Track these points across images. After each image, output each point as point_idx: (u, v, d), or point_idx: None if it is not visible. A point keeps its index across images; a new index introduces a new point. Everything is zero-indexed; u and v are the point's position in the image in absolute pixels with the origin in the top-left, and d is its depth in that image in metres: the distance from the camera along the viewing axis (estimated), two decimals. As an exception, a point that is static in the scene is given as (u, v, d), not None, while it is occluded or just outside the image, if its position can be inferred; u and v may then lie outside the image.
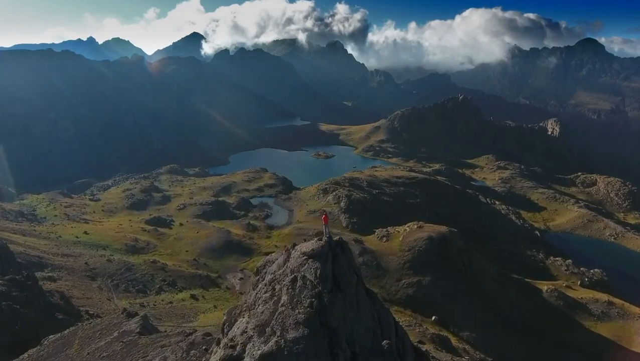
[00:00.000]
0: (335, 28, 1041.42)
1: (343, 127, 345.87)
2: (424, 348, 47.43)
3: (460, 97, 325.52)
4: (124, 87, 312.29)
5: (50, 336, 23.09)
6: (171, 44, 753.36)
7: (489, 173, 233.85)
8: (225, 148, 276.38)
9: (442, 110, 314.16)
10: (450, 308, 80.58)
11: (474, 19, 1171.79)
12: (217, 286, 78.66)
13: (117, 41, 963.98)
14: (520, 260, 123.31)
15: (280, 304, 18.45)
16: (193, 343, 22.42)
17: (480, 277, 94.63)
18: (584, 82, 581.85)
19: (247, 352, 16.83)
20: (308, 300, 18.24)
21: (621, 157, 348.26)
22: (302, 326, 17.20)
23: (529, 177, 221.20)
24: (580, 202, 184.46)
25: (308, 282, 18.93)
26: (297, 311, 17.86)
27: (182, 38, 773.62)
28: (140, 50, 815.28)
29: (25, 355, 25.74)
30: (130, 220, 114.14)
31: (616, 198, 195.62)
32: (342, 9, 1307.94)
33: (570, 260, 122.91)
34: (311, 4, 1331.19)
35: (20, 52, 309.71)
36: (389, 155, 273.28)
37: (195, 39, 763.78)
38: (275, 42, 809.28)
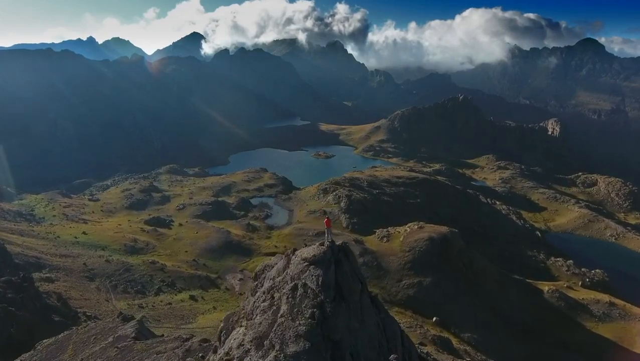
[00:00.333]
0: (335, 28, 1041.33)
1: (343, 127, 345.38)
2: (425, 349, 47.00)
3: (461, 97, 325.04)
4: (123, 87, 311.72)
5: (44, 341, 22.63)
6: (171, 43, 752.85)
7: (489, 173, 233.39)
8: (225, 148, 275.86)
9: (442, 110, 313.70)
10: (451, 309, 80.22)
11: (474, 19, 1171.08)
12: (216, 287, 78.18)
13: (117, 41, 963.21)
14: (521, 260, 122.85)
15: (279, 314, 17.44)
16: (189, 350, 21.80)
17: (481, 278, 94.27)
18: (584, 82, 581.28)
19: (244, 368, 15.79)
20: (309, 310, 17.24)
21: (621, 157, 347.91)
22: (303, 339, 16.19)
23: (530, 177, 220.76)
24: (580, 202, 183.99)
25: (309, 291, 17.88)
26: (297, 322, 16.88)
27: (182, 38, 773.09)
28: (140, 50, 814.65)
29: (18, 360, 25.33)
30: (129, 220, 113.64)
31: (617, 199, 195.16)
32: (342, 8, 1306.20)
33: (571, 261, 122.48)
34: (311, 3, 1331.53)
35: (20, 52, 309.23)
36: (389, 155, 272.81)
37: (195, 38, 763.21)
38: (275, 42, 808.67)
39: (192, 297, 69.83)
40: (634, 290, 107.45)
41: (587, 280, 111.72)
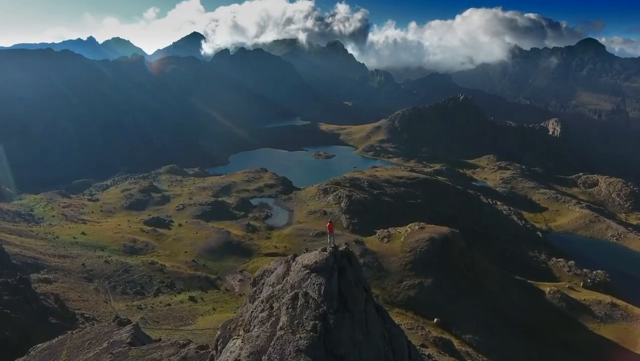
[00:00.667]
0: (335, 28, 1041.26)
1: (343, 127, 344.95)
2: (426, 351, 46.52)
3: (461, 97, 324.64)
4: (123, 86, 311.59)
5: (38, 345, 22.15)
6: (171, 43, 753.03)
7: (490, 173, 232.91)
8: (225, 148, 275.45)
9: (443, 110, 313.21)
10: (452, 310, 79.66)
11: (474, 19, 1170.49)
12: (216, 288, 77.67)
13: (117, 41, 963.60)
14: (522, 261, 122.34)
15: (278, 326, 16.32)
16: (186, 358, 21.05)
17: (483, 278, 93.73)
18: (584, 82, 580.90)
19: (239, 387, 14.68)
20: (311, 322, 16.14)
21: (621, 157, 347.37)
22: (304, 355, 15.06)
23: (530, 177, 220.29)
24: (581, 202, 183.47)
25: (311, 300, 16.75)
26: (298, 335, 15.76)
27: (182, 38, 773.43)
28: (140, 50, 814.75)
29: (11, 365, 24.96)
30: (128, 221, 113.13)
31: (618, 199, 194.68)
32: (342, 8, 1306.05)
33: (572, 261, 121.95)
34: (311, 3, 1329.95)
35: (20, 52, 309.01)
36: (390, 155, 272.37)
37: (195, 38, 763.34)
38: (276, 42, 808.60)
39: (191, 298, 69.29)
40: (636, 291, 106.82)
41: (589, 280, 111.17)
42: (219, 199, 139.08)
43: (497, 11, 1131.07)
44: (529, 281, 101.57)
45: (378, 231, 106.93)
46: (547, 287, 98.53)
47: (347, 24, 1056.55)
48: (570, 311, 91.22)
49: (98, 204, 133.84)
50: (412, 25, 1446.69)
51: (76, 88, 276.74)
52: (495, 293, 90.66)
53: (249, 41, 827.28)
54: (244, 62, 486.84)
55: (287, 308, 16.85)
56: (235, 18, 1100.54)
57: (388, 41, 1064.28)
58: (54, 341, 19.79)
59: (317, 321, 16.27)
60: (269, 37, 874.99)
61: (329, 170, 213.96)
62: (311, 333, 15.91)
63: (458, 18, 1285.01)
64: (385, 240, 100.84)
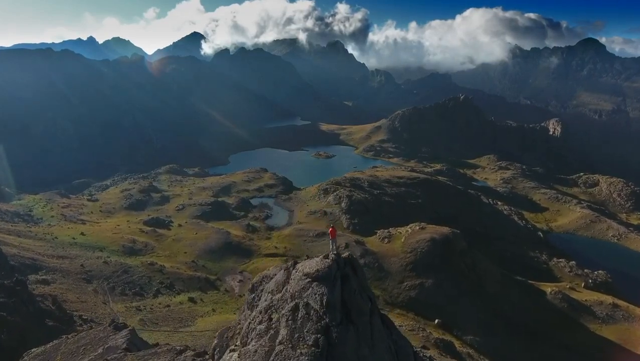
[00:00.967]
0: (335, 28, 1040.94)
1: (343, 126, 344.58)
2: (428, 353, 46.08)
3: (461, 97, 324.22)
4: (123, 86, 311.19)
5: (32, 350, 21.73)
6: (171, 43, 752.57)
7: (490, 173, 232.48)
8: (225, 148, 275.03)
9: (443, 110, 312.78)
10: (453, 311, 79.33)
11: (474, 19, 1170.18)
12: (215, 289, 77.22)
13: (117, 41, 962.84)
14: (523, 261, 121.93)
15: (277, 341, 15.18)
16: (182, 365, 20.77)
17: (484, 279, 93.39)
18: (585, 82, 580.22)
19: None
20: (312, 336, 15.03)
21: (621, 157, 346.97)
22: None
23: (531, 177, 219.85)
24: (582, 202, 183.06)
25: (312, 312, 15.63)
26: (298, 351, 14.64)
27: (182, 38, 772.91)
28: (140, 49, 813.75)
29: (4, 370, 24.53)
30: (128, 221, 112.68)
31: (619, 199, 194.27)
32: (342, 8, 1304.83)
33: (573, 262, 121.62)
34: (311, 3, 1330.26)
35: (20, 52, 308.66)
36: (390, 155, 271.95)
37: (196, 38, 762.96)
38: (276, 41, 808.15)
39: (191, 299, 68.82)
40: (637, 292, 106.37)
41: (590, 281, 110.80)
42: (219, 199, 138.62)
43: (498, 11, 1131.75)
44: (530, 281, 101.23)
45: (379, 231, 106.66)
46: (548, 288, 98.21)
47: (347, 24, 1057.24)
48: (572, 311, 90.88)
49: (97, 204, 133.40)
50: (413, 25, 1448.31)
51: (76, 88, 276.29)
52: (496, 294, 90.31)
53: (249, 41, 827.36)
54: (244, 62, 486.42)
55: (287, 320, 15.84)
56: (235, 18, 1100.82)
57: (388, 41, 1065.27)
58: (48, 346, 19.38)
59: (319, 335, 15.24)
60: (269, 37, 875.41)
61: (329, 170, 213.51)
62: (313, 349, 14.92)
63: (458, 18, 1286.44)
64: (386, 240, 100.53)
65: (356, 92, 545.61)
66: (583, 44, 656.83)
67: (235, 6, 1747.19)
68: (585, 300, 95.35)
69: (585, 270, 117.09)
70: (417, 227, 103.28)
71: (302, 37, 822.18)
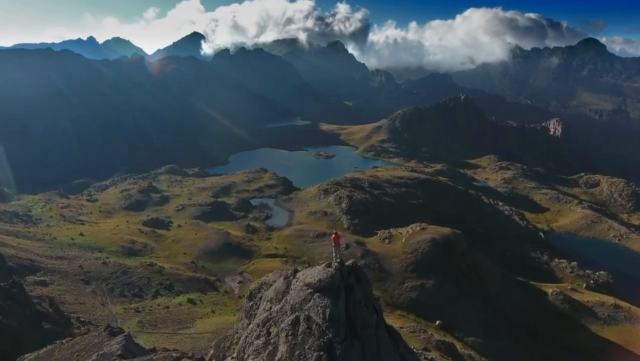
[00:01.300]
0: (336, 28, 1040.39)
1: (344, 126, 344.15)
2: (429, 355, 45.62)
3: (462, 97, 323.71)
4: (123, 86, 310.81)
5: (24, 356, 21.19)
6: (171, 43, 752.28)
7: (491, 173, 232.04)
8: (225, 148, 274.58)
9: (443, 110, 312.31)
10: (453, 312, 78.89)
11: (474, 19, 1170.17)
12: (215, 290, 76.71)
13: (117, 41, 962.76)
14: (524, 261, 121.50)
15: (277, 358, 14.01)
16: (178, 373, 20.18)
17: (485, 280, 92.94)
18: (585, 82, 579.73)
19: None
20: (314, 353, 13.84)
21: (622, 158, 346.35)
22: None
23: (532, 177, 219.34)
24: (583, 202, 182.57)
25: (314, 326, 14.37)
26: None
27: (182, 38, 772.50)
28: (140, 49, 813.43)
29: (-4, 377, 24.05)
30: (127, 221, 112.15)
31: (619, 199, 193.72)
32: (342, 8, 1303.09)
33: (575, 262, 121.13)
34: (312, 3, 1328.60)
35: (20, 52, 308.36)
36: (390, 155, 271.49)
37: (196, 38, 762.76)
38: (276, 41, 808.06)
39: (190, 300, 68.32)
40: (639, 292, 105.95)
41: (592, 281, 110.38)
42: (219, 199, 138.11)
43: (498, 11, 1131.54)
44: (531, 282, 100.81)
45: (379, 232, 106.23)
46: (549, 288, 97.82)
47: (347, 24, 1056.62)
48: (573, 312, 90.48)
49: (97, 205, 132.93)
50: (413, 25, 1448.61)
51: (76, 88, 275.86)
52: (498, 295, 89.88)
53: (249, 41, 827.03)
54: (244, 62, 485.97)
55: (287, 335, 14.64)
56: (235, 18, 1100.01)
57: (388, 41, 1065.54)
58: (41, 351, 18.91)
59: (321, 352, 14.12)
60: (269, 37, 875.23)
61: (329, 171, 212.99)
62: None
63: (458, 18, 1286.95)
64: (387, 241, 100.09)
65: (356, 92, 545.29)
66: (583, 44, 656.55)
67: (235, 6, 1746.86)
68: (587, 300, 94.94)
69: (587, 271, 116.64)
70: (418, 228, 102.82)
71: (302, 37, 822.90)
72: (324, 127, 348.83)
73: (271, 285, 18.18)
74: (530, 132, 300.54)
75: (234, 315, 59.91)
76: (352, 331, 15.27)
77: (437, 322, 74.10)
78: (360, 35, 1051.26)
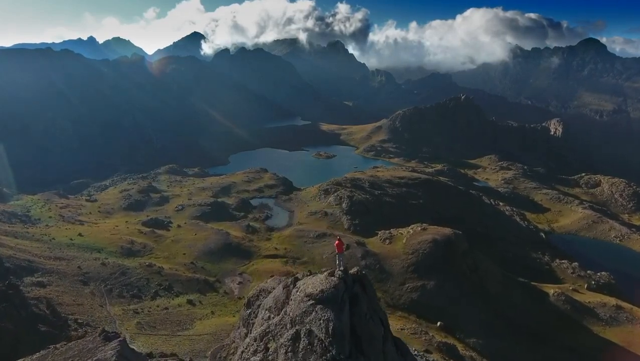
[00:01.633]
0: (336, 28, 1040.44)
1: (344, 126, 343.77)
2: (431, 357, 45.14)
3: (462, 97, 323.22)
4: (123, 86, 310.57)
5: (18, 361, 20.90)
6: (171, 43, 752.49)
7: (491, 173, 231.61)
8: (225, 148, 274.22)
9: (444, 110, 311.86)
10: (455, 313, 78.43)
11: (475, 19, 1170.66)
12: (215, 291, 76.14)
13: (117, 40, 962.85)
14: (525, 262, 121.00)
15: None
16: (174, 380, 19.59)
17: (486, 280, 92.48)
18: (586, 82, 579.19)
19: None
20: None
21: (622, 158, 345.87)
22: None
23: (532, 177, 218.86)
24: (584, 203, 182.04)
25: (316, 342, 12.97)
26: None
27: (182, 38, 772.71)
28: (140, 49, 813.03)
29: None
30: (126, 222, 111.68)
31: (620, 200, 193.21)
32: (343, 8, 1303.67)
33: (576, 263, 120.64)
34: (312, 3, 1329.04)
35: (20, 51, 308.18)
36: (391, 155, 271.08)
37: (196, 38, 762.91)
38: (276, 41, 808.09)
39: (189, 301, 67.77)
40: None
41: (593, 282, 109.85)
42: (219, 200, 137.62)
43: (498, 11, 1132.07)
44: (532, 283, 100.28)
45: (380, 232, 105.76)
46: (551, 289, 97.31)
47: (347, 24, 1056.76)
48: (575, 313, 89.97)
49: (96, 205, 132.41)
50: (413, 25, 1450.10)
51: (76, 88, 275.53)
52: (499, 296, 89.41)
53: (249, 41, 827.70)
54: (244, 62, 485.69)
55: (286, 352, 13.28)
56: (236, 18, 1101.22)
57: (389, 41, 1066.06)
58: (34, 357, 18.42)
59: None
60: (269, 37, 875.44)
61: (329, 171, 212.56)
62: None
63: (459, 18, 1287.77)
64: (387, 241, 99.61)
65: (356, 92, 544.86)
66: (584, 44, 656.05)
67: (235, 6, 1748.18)
68: (588, 301, 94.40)
69: (588, 272, 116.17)
70: (419, 228, 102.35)
71: (303, 37, 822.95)
72: (324, 127, 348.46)
73: (270, 292, 17.03)
74: (531, 132, 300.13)
75: (234, 316, 59.42)
76: (357, 347, 13.95)
77: (438, 323, 73.61)
78: (361, 35, 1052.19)
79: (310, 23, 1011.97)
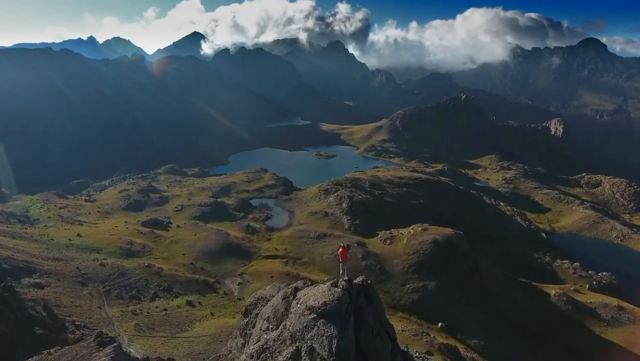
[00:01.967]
0: (336, 27, 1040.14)
1: (344, 126, 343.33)
2: (432, 359, 44.67)
3: (462, 97, 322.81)
4: (123, 86, 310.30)
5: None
6: (171, 43, 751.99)
7: (492, 173, 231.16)
8: (225, 148, 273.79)
9: (444, 109, 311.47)
10: (456, 314, 77.91)
11: (475, 19, 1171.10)
12: (214, 292, 75.59)
13: (117, 40, 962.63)
14: (526, 262, 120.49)
15: None
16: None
17: (487, 281, 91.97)
18: (586, 82, 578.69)
19: None
20: None
21: (623, 158, 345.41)
22: None
23: (533, 177, 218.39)
24: (585, 203, 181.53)
25: (318, 360, 11.68)
26: None
27: (182, 38, 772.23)
28: (140, 49, 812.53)
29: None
30: (126, 222, 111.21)
31: (621, 199, 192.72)
32: (343, 8, 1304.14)
33: (577, 263, 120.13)
34: (312, 3, 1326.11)
35: (20, 51, 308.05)
36: (391, 155, 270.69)
37: (196, 38, 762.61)
38: (276, 41, 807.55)
39: (189, 303, 67.24)
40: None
41: (594, 283, 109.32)
42: (219, 200, 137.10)
43: (498, 11, 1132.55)
44: (533, 283, 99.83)
45: (380, 232, 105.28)
46: (552, 290, 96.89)
47: (347, 24, 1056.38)
48: (576, 314, 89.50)
49: (95, 205, 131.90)
50: (413, 25, 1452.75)
51: (76, 88, 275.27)
52: (500, 296, 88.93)
53: (249, 41, 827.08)
54: (244, 62, 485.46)
55: None
56: (236, 18, 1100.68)
57: (389, 41, 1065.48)
58: (28, 362, 18.10)
59: None
60: (269, 36, 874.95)
61: (329, 171, 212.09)
62: None
63: (459, 18, 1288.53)
64: (388, 241, 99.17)
65: (357, 91, 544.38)
66: (584, 44, 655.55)
67: (235, 6, 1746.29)
68: (590, 302, 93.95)
69: (590, 272, 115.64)
70: (420, 228, 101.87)
71: (303, 37, 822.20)
72: (325, 126, 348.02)
73: (269, 300, 15.99)
74: (531, 132, 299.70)
75: (233, 317, 58.95)
76: (364, 364, 12.13)
77: (440, 324, 73.07)
78: (361, 35, 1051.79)
79: (310, 23, 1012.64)
